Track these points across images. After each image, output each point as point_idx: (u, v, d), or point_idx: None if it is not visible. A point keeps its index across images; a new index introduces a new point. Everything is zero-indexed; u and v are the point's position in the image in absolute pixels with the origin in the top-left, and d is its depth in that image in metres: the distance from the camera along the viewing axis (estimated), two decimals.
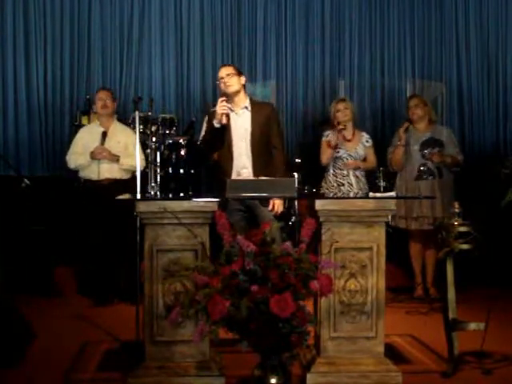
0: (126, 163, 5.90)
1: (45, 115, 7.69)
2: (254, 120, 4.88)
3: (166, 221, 3.80)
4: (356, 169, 5.79)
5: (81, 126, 6.78)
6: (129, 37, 7.82)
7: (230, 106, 4.78)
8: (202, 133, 5.59)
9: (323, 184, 5.87)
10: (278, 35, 7.99)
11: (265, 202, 4.80)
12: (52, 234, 6.42)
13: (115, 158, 5.90)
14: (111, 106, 6.08)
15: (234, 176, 4.84)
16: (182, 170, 6.67)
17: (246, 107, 4.92)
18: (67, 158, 6.12)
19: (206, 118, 5.43)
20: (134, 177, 5.82)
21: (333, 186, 5.76)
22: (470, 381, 3.90)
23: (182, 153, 6.67)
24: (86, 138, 6.05)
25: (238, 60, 7.82)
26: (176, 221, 3.78)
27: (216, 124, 4.74)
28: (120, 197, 4.15)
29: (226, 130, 4.83)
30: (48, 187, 6.75)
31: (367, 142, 5.88)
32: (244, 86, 4.99)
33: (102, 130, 6.00)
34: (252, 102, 4.98)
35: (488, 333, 4.02)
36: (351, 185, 5.73)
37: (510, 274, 6.07)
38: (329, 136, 5.87)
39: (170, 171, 6.51)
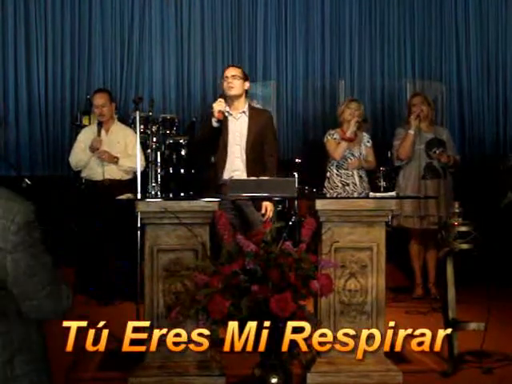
0: (124, 164, 5.89)
1: (45, 115, 7.70)
2: (251, 126, 4.85)
3: (166, 221, 3.81)
4: (359, 168, 5.79)
5: (81, 126, 6.78)
6: (129, 37, 7.83)
7: (225, 104, 4.72)
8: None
9: (326, 184, 5.85)
10: (278, 35, 8.00)
11: (257, 204, 4.77)
12: (52, 234, 6.41)
13: (114, 160, 5.88)
14: (108, 112, 5.99)
15: (226, 177, 4.78)
16: (182, 170, 6.70)
17: (244, 112, 4.88)
18: (69, 159, 6.11)
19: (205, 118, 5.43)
20: (135, 177, 5.86)
21: (337, 186, 5.75)
22: (470, 380, 3.91)
23: (183, 153, 6.69)
24: (87, 137, 6.03)
25: (239, 60, 7.82)
26: (176, 221, 3.78)
27: (214, 123, 4.67)
28: (121, 197, 4.15)
29: (221, 132, 4.78)
30: (48, 187, 6.74)
31: (368, 142, 5.88)
32: (246, 91, 4.94)
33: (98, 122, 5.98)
34: (250, 108, 4.94)
35: (488, 332, 4.02)
36: (355, 184, 5.72)
37: (510, 273, 6.07)
38: (335, 135, 5.83)
39: (171, 171, 6.54)
